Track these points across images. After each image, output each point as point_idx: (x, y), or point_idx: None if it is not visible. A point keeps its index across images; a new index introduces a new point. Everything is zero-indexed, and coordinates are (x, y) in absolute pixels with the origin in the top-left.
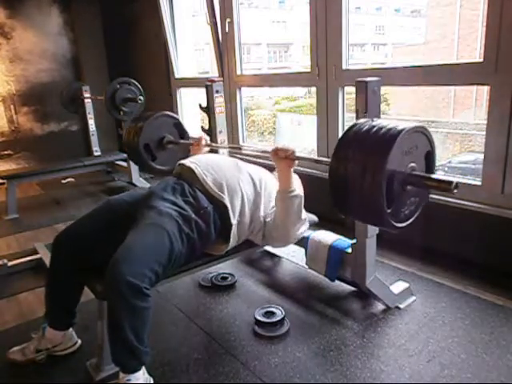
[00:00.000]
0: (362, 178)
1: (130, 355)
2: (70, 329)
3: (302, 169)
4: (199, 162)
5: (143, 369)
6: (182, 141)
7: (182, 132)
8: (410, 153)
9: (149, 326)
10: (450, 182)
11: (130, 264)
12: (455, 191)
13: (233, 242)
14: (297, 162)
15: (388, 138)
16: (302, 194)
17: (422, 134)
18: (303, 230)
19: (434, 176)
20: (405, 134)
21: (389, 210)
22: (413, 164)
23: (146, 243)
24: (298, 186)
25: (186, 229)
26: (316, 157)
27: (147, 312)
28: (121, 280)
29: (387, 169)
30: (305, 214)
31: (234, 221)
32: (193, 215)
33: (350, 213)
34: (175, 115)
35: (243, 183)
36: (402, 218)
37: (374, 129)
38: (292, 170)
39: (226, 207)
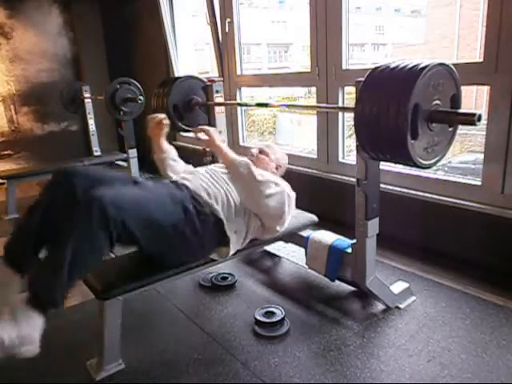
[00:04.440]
0: (387, 111)
1: (45, 281)
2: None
3: (302, 169)
4: (191, 178)
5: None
6: (209, 102)
7: (209, 94)
8: (436, 90)
9: (84, 272)
10: (473, 114)
11: (112, 197)
12: (478, 123)
13: (233, 249)
14: (218, 136)
15: (414, 72)
16: (241, 159)
17: (447, 72)
18: (274, 191)
19: (457, 111)
20: (431, 68)
21: (412, 141)
22: (438, 101)
23: (141, 196)
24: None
25: (185, 225)
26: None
27: (97, 252)
28: (97, 200)
29: (413, 101)
30: (261, 176)
31: (229, 232)
32: (195, 218)
33: (373, 149)
34: (203, 78)
35: (234, 193)
36: (427, 155)
37: (399, 67)
38: (217, 144)
39: (221, 220)
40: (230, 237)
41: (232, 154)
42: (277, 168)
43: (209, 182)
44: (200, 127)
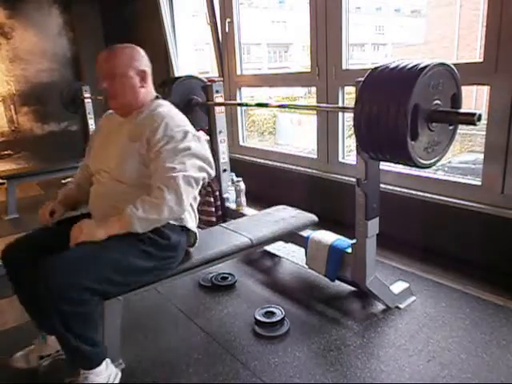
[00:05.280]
0: (387, 111)
1: (78, 356)
2: None
3: (302, 169)
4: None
5: (106, 363)
6: (209, 102)
7: (209, 94)
8: (436, 90)
9: (97, 325)
10: (473, 114)
11: (65, 274)
12: (478, 123)
13: (190, 218)
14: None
15: (414, 72)
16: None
17: (448, 72)
18: (180, 186)
19: (457, 110)
20: (431, 68)
21: (412, 141)
22: (438, 101)
23: (88, 253)
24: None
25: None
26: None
27: (89, 315)
28: (57, 295)
29: (412, 101)
30: (150, 203)
31: (188, 223)
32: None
33: (373, 149)
34: (203, 78)
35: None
36: (427, 155)
37: (399, 67)
38: (102, 232)
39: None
40: (186, 225)
41: (117, 224)
42: (143, 79)
43: (106, 188)
44: (73, 233)
